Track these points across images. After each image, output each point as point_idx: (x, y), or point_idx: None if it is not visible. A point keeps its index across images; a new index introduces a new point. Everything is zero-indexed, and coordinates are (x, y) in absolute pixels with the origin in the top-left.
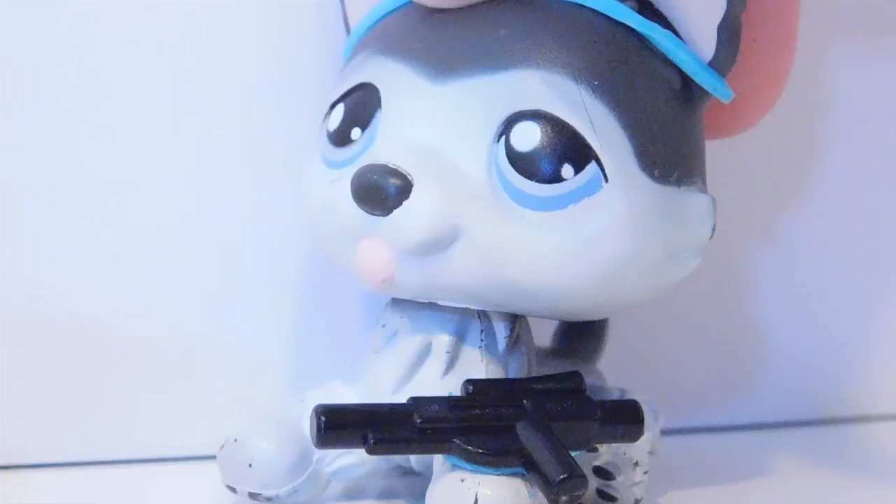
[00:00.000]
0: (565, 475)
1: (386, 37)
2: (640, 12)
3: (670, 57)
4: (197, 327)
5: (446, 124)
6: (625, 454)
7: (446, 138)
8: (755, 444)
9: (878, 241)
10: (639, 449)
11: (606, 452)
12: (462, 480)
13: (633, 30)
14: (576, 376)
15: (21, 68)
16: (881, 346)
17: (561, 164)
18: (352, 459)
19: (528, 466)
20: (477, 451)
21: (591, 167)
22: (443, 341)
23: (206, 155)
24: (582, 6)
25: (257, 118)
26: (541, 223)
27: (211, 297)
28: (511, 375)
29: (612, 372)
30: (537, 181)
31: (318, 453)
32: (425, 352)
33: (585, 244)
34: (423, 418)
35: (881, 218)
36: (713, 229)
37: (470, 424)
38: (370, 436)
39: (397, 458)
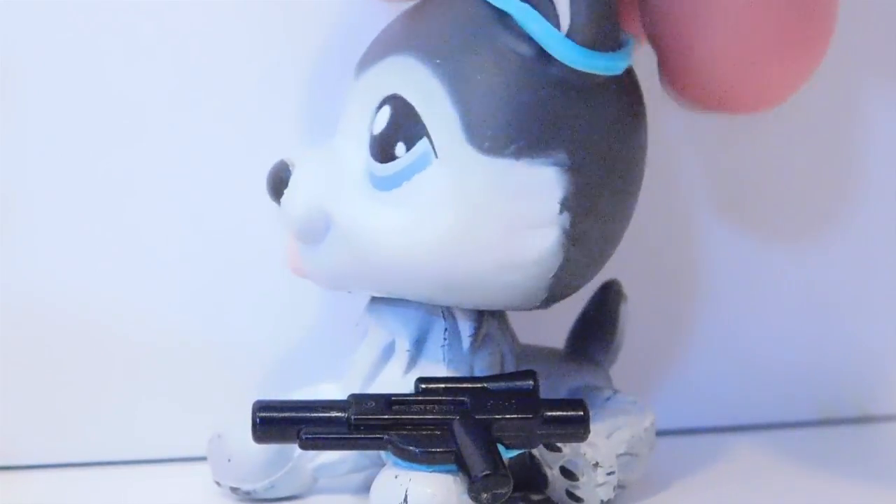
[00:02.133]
0: (488, 472)
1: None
2: None
3: (526, 30)
4: (196, 328)
5: (347, 116)
6: (584, 455)
7: (343, 130)
8: (755, 444)
9: (879, 240)
10: (602, 449)
11: (569, 452)
12: (395, 477)
13: (493, 6)
14: (530, 375)
15: (21, 68)
16: (884, 346)
17: (395, 143)
18: (334, 456)
19: (458, 464)
20: (408, 449)
21: (422, 143)
22: (404, 340)
23: (206, 157)
24: None
25: (257, 121)
26: (383, 203)
27: (210, 298)
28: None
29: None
30: (379, 161)
31: (298, 449)
32: (389, 350)
33: (417, 220)
34: (357, 415)
35: (883, 216)
36: (563, 203)
37: (405, 422)
38: (303, 431)
39: (382, 455)
